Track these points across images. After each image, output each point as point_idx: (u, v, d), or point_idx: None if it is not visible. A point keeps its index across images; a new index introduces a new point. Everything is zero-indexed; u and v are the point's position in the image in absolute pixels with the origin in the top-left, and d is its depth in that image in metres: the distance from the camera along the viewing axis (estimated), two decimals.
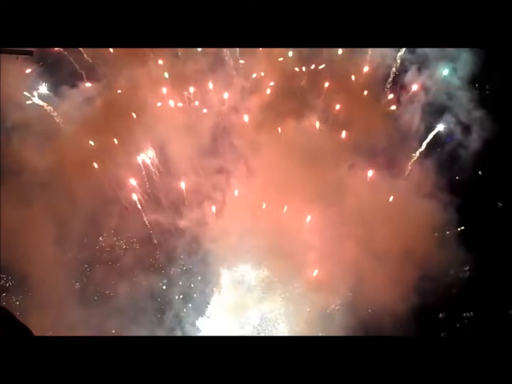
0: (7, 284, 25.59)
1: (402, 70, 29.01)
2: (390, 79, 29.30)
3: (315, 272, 27.76)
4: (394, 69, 29.11)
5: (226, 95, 28.52)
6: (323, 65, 28.82)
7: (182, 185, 28.67)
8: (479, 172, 28.30)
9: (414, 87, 28.94)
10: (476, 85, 28.38)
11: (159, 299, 28.57)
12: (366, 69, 28.92)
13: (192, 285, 28.89)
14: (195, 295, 28.86)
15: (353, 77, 29.11)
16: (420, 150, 28.90)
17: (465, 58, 27.98)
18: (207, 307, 28.59)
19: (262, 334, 28.27)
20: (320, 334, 26.96)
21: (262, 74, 29.04)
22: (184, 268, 28.63)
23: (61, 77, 26.80)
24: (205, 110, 28.72)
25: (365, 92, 29.01)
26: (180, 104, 28.50)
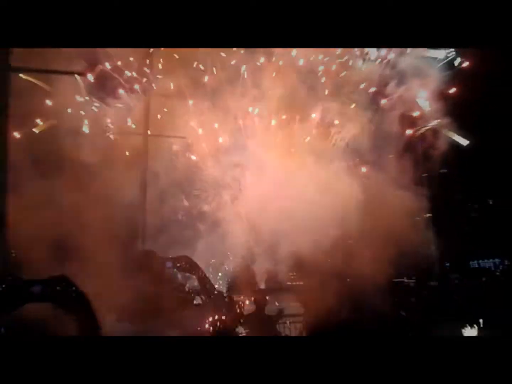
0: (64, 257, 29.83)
1: (383, 83, 32.08)
2: (373, 90, 31.68)
3: None
4: (376, 83, 31.70)
5: (240, 103, 30.79)
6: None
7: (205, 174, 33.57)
8: (443, 170, 33.63)
9: (393, 98, 31.63)
10: (444, 98, 33.36)
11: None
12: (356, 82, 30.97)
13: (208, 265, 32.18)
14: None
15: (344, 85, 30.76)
16: (398, 151, 31.13)
17: (435, 74, 30.19)
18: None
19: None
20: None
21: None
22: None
23: (108, 89, 30.77)
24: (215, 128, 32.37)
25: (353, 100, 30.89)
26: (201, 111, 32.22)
